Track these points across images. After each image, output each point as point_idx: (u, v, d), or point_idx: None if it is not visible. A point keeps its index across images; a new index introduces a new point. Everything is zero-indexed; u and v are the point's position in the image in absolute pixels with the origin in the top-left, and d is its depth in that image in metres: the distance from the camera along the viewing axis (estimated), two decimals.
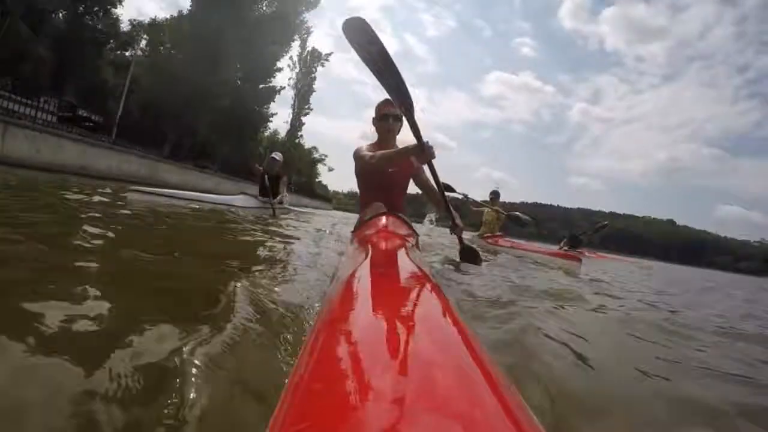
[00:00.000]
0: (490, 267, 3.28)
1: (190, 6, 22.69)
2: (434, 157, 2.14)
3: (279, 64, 27.92)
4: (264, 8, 23.89)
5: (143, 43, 29.17)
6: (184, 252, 1.98)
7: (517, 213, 5.96)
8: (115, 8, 24.92)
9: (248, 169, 7.17)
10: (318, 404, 0.35)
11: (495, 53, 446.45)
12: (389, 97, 2.18)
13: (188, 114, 20.10)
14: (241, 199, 6.12)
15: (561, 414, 0.77)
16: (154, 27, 30.43)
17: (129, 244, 1.85)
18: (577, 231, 11.51)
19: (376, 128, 2.58)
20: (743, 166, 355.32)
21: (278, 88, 28.51)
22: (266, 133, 37.41)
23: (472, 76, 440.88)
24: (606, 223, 11.45)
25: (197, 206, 4.89)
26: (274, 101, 28.47)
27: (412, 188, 2.79)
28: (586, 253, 10.19)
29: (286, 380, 0.44)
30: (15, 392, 0.61)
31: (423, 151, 2.05)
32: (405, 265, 1.01)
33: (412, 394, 0.33)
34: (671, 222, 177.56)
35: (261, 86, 26.10)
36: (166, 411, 0.62)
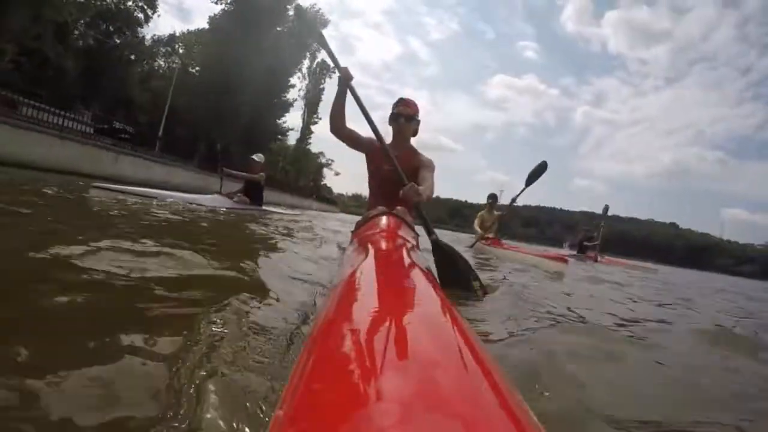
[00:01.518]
0: (489, 268, 3.60)
1: (209, 23, 25.13)
2: (351, 78, 2.41)
3: (291, 80, 30.82)
4: (280, 29, 26.35)
5: (163, 59, 31.48)
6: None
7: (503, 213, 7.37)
8: (141, 27, 27.12)
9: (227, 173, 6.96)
10: (318, 404, 0.35)
11: (498, 56, 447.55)
12: (404, 97, 2.61)
13: (216, 128, 22.32)
14: (212, 199, 5.95)
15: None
16: (173, 41, 32.70)
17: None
18: (587, 233, 12.10)
19: (390, 126, 2.66)
20: (747, 169, 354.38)
21: (291, 100, 31.44)
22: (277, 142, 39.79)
23: (476, 79, 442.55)
24: (601, 222, 11.42)
25: (162, 202, 4.71)
26: (288, 113, 31.73)
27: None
28: (598, 258, 10.35)
29: (287, 380, 0.44)
30: None
31: (340, 74, 2.38)
32: (405, 265, 1.02)
33: (413, 394, 0.33)
34: (674, 225, 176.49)
35: (275, 100, 28.61)
36: (166, 412, 0.63)
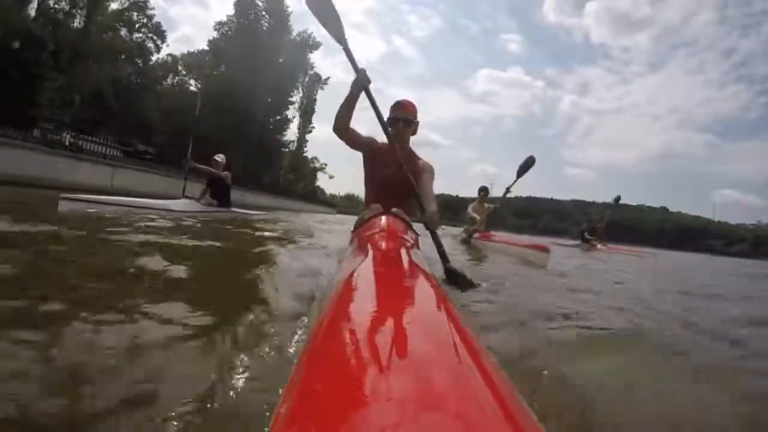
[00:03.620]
0: (486, 265, 3.61)
1: (211, 48, 28.65)
2: (369, 82, 2.31)
3: (290, 99, 35.19)
4: (282, 56, 30.53)
5: (170, 78, 34.38)
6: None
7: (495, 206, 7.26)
8: (152, 56, 29.79)
9: (198, 170, 6.65)
10: (319, 404, 0.35)
11: (483, 51, 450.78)
12: (401, 100, 2.56)
13: (230, 147, 25.44)
14: (182, 203, 5.74)
15: None
16: (176, 63, 35.52)
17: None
18: (591, 224, 11.96)
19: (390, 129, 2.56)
20: (736, 150, 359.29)
21: (291, 117, 36.06)
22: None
23: (461, 74, 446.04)
24: (610, 209, 11.83)
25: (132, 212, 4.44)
26: (289, 128, 36.06)
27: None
28: (599, 246, 10.55)
29: (287, 380, 0.44)
30: None
31: (357, 77, 2.26)
32: (405, 264, 1.02)
33: (413, 394, 0.34)
34: (664, 209, 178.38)
35: (278, 117, 32.77)
36: (166, 411, 0.66)
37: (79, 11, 22.66)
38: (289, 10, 31.89)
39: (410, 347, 0.45)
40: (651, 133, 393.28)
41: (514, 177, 5.90)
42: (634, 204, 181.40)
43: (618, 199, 11.61)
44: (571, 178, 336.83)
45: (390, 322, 0.53)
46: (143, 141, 25.66)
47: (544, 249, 4.60)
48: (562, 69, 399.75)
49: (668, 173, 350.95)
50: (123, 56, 25.47)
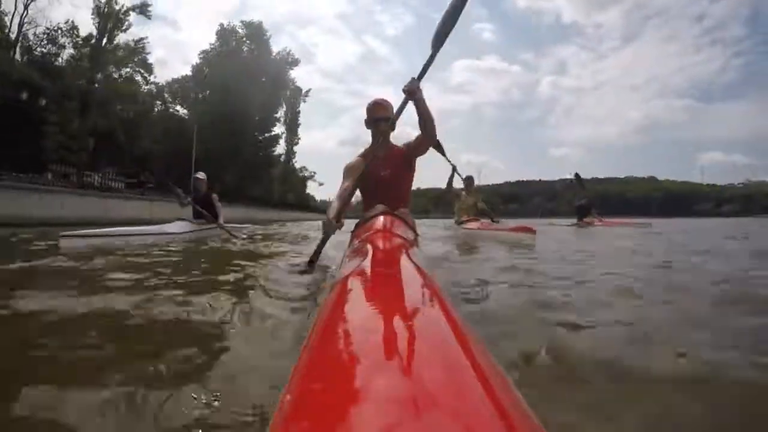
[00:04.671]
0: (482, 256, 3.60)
1: (193, 73, 31.06)
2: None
3: (275, 115, 38.57)
4: (264, 77, 33.36)
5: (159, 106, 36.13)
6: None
7: (484, 207, 7.23)
8: (140, 88, 31.25)
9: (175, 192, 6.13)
10: (318, 404, 0.35)
11: (457, 42, 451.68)
12: (377, 99, 2.57)
13: (229, 167, 28.22)
14: (177, 225, 5.68)
15: None
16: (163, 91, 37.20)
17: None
18: (579, 200, 11.93)
19: (370, 131, 2.61)
20: (716, 112, 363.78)
21: (280, 133, 39.81)
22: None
23: (438, 67, 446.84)
24: (572, 178, 11.95)
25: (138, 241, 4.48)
26: (278, 144, 39.78)
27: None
28: (596, 222, 10.64)
29: (287, 380, 0.44)
30: None
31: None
32: (404, 264, 1.03)
33: (412, 393, 0.34)
34: (653, 178, 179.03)
35: (267, 135, 35.85)
36: (166, 411, 0.69)
37: (85, 63, 25.09)
38: (268, 34, 35.40)
39: (410, 347, 0.45)
40: (632, 104, 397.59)
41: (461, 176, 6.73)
42: (622, 176, 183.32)
43: (577, 175, 11.92)
44: (558, 158, 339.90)
45: (389, 322, 0.53)
46: (143, 169, 27.10)
47: (531, 230, 4.78)
48: (537, 52, 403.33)
49: (653, 143, 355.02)
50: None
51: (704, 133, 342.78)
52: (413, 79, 2.16)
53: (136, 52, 28.38)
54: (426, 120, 2.26)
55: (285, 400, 0.38)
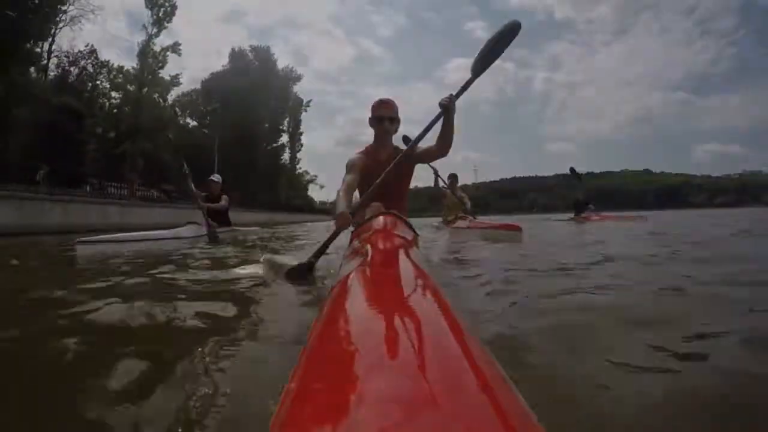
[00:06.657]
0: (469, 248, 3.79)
1: (202, 86, 35.96)
2: (348, 223, 2.04)
3: (281, 127, 44.03)
4: (270, 93, 38.19)
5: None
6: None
7: (467, 208, 7.08)
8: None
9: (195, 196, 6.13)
10: (318, 404, 0.35)
11: (450, 41, 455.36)
12: (383, 98, 2.58)
13: (245, 177, 31.57)
14: (188, 229, 5.76)
15: None
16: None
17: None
18: (576, 195, 11.72)
19: (373, 129, 2.62)
20: (711, 104, 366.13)
21: (286, 142, 45.23)
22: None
23: (433, 67, 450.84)
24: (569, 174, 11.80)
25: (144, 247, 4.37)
26: (284, 153, 45.37)
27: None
28: (593, 217, 10.33)
29: (287, 380, 0.44)
30: None
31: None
32: (404, 264, 1.03)
33: (412, 394, 0.34)
34: (648, 171, 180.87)
35: (275, 145, 40.99)
36: (167, 410, 0.69)
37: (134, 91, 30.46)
38: (275, 57, 41.51)
39: (410, 347, 0.45)
40: (625, 97, 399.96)
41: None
42: (618, 170, 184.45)
43: (572, 170, 11.81)
44: (553, 153, 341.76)
45: (389, 322, 0.53)
46: (162, 179, 29.75)
47: (516, 228, 4.78)
48: (531, 49, 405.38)
49: (647, 135, 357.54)
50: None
51: (699, 125, 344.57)
52: (451, 95, 2.20)
53: (173, 83, 33.94)
54: (449, 134, 2.29)
55: (285, 400, 0.38)
